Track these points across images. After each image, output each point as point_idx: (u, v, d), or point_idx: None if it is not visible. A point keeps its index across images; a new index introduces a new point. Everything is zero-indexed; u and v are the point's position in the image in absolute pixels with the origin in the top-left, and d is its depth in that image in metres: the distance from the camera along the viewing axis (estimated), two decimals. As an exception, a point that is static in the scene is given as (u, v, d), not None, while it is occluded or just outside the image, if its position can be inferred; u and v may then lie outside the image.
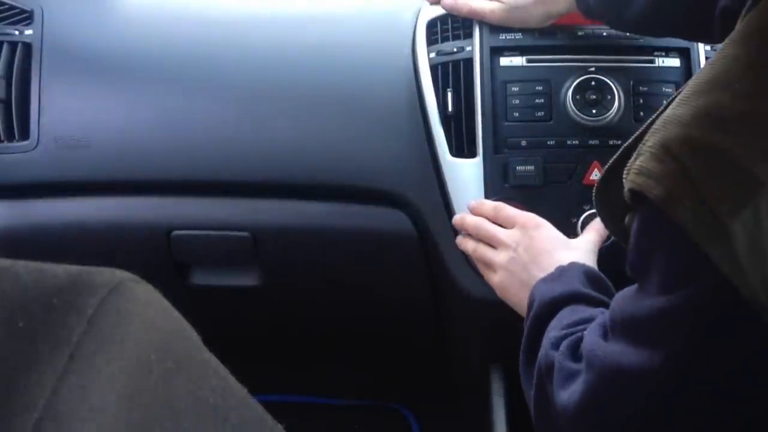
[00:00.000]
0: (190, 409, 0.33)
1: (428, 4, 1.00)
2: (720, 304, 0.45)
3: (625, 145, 0.53)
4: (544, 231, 0.82)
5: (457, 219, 0.90)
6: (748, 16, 0.46)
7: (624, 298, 0.55)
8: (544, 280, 0.75)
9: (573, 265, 0.75)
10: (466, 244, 0.89)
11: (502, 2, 0.93)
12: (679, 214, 0.43)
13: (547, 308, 0.70)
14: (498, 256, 0.83)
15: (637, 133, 0.52)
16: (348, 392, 1.41)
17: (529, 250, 0.80)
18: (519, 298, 0.79)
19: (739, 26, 0.46)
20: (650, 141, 0.46)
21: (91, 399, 0.29)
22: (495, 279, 0.84)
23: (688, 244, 0.43)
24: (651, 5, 0.79)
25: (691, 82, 0.47)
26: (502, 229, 0.85)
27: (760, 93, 0.42)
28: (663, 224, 0.45)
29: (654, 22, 0.82)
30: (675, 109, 0.46)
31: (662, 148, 0.45)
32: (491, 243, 0.85)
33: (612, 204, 0.55)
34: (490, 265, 0.85)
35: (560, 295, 0.70)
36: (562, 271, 0.75)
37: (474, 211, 0.89)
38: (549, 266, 0.77)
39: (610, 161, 0.55)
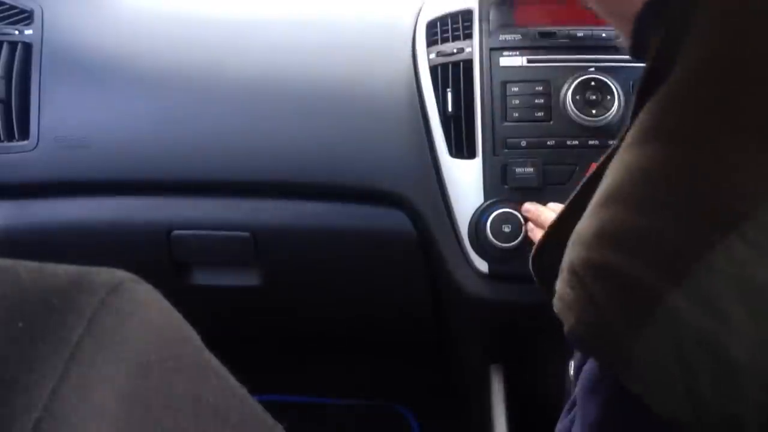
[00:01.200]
0: (190, 409, 0.33)
1: (428, 4, 1.00)
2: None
3: (563, 210, 0.51)
4: None
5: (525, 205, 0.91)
6: (638, 118, 0.44)
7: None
8: None
9: None
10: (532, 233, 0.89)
11: None
12: (588, 340, 0.42)
13: None
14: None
15: (572, 197, 0.50)
16: (348, 392, 1.41)
17: None
18: None
19: (631, 129, 0.44)
20: (565, 260, 0.44)
21: (91, 399, 0.29)
22: None
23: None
24: None
25: (598, 191, 0.44)
26: (542, 210, 0.87)
27: (652, 204, 0.40)
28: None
29: None
30: (582, 224, 0.44)
31: (570, 273, 0.43)
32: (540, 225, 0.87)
33: (547, 271, 0.51)
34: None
35: None
36: None
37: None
38: None
39: (549, 227, 0.52)
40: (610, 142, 0.92)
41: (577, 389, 0.52)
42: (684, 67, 0.41)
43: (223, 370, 0.36)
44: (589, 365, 0.48)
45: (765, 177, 0.37)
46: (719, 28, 0.41)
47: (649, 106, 0.43)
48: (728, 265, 0.37)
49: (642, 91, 0.44)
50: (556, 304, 0.44)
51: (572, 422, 0.53)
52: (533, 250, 0.55)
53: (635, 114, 0.44)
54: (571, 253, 0.44)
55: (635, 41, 0.48)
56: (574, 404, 0.57)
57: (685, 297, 0.38)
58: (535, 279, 0.55)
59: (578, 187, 0.49)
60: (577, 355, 0.63)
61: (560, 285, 0.44)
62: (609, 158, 0.46)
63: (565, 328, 0.43)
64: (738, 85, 0.39)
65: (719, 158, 0.39)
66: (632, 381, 0.40)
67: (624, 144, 0.44)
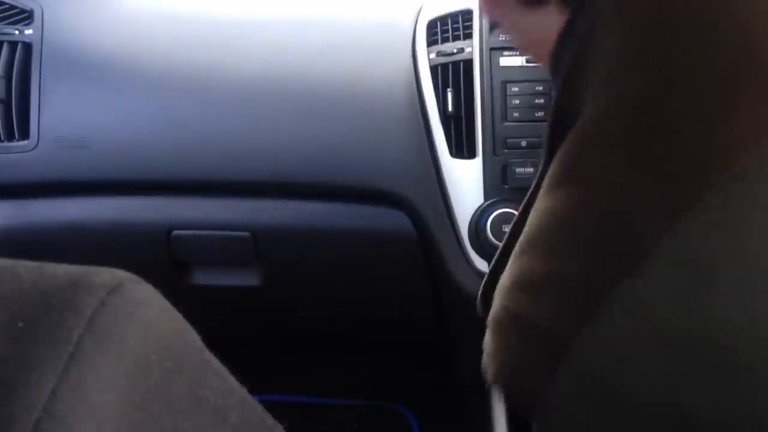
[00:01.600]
0: (190, 409, 0.33)
1: (428, 4, 1.00)
2: None
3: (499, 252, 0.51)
4: None
5: None
6: (552, 162, 0.43)
7: None
8: None
9: None
10: None
11: None
12: (508, 389, 0.42)
13: None
14: None
15: (505, 240, 0.49)
16: (348, 392, 1.41)
17: None
18: None
19: (547, 174, 0.44)
20: (491, 311, 0.45)
21: (91, 399, 0.29)
22: None
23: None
24: None
25: (520, 238, 0.44)
26: None
27: (561, 249, 0.40)
28: None
29: None
30: (504, 272, 0.44)
31: (493, 323, 0.43)
32: None
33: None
34: None
35: None
36: None
37: None
38: None
39: (489, 272, 0.52)
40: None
41: None
42: (591, 105, 0.40)
43: (223, 370, 0.36)
44: None
45: (667, 214, 0.36)
46: (623, 64, 0.39)
47: (562, 148, 0.42)
48: (631, 305, 0.36)
49: (553, 132, 0.43)
50: (484, 356, 0.44)
51: None
52: (479, 296, 0.55)
53: (550, 156, 0.43)
54: (494, 303, 0.44)
55: (554, 79, 0.46)
56: None
57: (589, 341, 0.37)
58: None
59: (506, 235, 0.48)
60: None
61: (486, 337, 0.44)
62: (531, 202, 0.45)
63: (488, 381, 0.43)
64: (643, 122, 0.38)
65: (623, 198, 0.38)
66: (549, 430, 0.39)
67: (541, 190, 0.43)
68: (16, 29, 1.02)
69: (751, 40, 0.36)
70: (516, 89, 0.93)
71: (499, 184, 0.92)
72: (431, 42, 0.98)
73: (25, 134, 0.99)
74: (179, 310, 0.35)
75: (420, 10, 1.01)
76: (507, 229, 0.90)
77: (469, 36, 0.96)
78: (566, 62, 0.41)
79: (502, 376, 0.42)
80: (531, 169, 0.91)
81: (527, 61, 0.94)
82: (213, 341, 0.38)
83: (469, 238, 0.93)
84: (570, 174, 0.40)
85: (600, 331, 0.37)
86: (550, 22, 0.43)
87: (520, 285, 0.42)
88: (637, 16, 0.38)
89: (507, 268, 0.44)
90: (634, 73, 0.38)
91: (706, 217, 0.35)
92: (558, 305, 0.39)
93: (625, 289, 0.36)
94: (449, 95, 0.94)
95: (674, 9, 0.37)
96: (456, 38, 0.97)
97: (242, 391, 0.37)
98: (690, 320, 0.36)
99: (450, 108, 0.94)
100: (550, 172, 0.42)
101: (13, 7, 1.04)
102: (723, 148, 0.35)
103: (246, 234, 1.00)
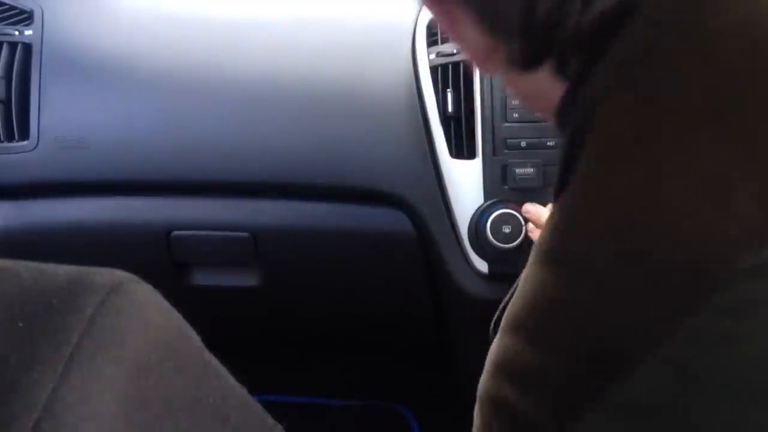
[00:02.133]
0: (190, 409, 0.33)
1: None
2: None
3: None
4: None
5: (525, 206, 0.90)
6: (540, 233, 0.42)
7: None
8: None
9: None
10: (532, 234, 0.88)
11: None
12: None
13: None
14: None
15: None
16: (347, 392, 1.41)
17: None
18: None
19: (534, 245, 0.43)
20: (479, 386, 0.44)
21: (91, 399, 0.29)
22: None
23: None
24: None
25: (507, 310, 0.43)
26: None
27: (544, 340, 0.38)
28: None
29: None
30: (491, 349, 0.43)
31: (479, 401, 0.42)
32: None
33: None
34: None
35: None
36: None
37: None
38: None
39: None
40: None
41: None
42: (574, 183, 0.40)
43: (223, 370, 0.36)
44: None
45: (659, 319, 0.34)
46: (604, 149, 0.38)
47: (549, 221, 0.41)
48: (619, 409, 0.35)
49: (562, 177, 0.42)
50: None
51: None
52: (491, 326, 0.53)
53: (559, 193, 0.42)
54: (481, 379, 0.43)
55: (560, 132, 0.45)
56: None
57: None
58: None
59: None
60: None
61: (475, 408, 0.43)
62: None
63: None
64: (619, 211, 0.37)
65: (604, 293, 0.36)
66: None
67: (535, 250, 0.42)
68: (16, 29, 1.02)
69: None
70: (516, 90, 0.93)
71: (499, 185, 0.92)
72: (431, 42, 0.98)
73: (25, 134, 0.99)
74: (179, 311, 0.35)
75: (420, 10, 1.01)
76: (507, 229, 0.90)
77: (468, 36, 0.96)
78: (571, 122, 0.41)
79: None
80: (531, 170, 0.91)
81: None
82: (213, 341, 0.38)
83: (469, 238, 0.93)
84: (562, 248, 0.39)
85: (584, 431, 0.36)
86: (547, 82, 0.43)
87: (505, 371, 0.40)
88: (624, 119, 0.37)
89: (494, 342, 0.43)
90: (623, 169, 0.37)
91: (701, 324, 0.34)
92: (542, 402, 0.38)
93: (612, 394, 0.35)
94: (449, 96, 0.94)
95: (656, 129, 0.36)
96: (456, 39, 0.97)
97: (242, 392, 0.37)
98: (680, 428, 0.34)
99: (450, 108, 0.94)
100: (545, 235, 0.41)
101: (13, 7, 1.04)
102: (721, 250, 0.34)
103: (246, 234, 1.00)
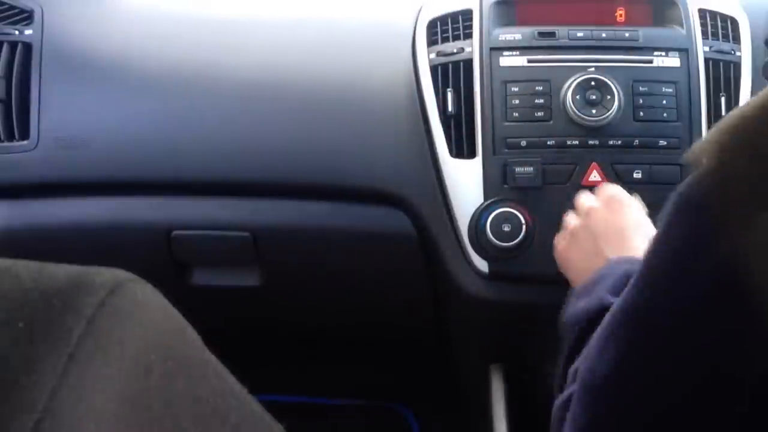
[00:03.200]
0: (190, 409, 0.33)
1: (428, 4, 1.00)
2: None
3: None
4: (628, 209, 0.77)
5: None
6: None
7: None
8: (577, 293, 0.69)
9: (611, 268, 0.68)
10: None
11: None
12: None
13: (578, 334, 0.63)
14: (572, 221, 0.80)
15: None
16: (348, 392, 1.41)
17: (605, 222, 0.76)
18: (577, 268, 0.75)
19: None
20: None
21: (90, 399, 0.29)
22: (561, 243, 0.80)
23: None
24: None
25: None
26: (587, 197, 0.82)
27: None
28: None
29: None
30: None
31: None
32: (576, 211, 0.82)
33: None
34: (564, 229, 0.81)
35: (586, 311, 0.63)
36: (595, 280, 0.68)
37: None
38: (619, 244, 0.73)
39: None
40: (611, 142, 0.92)
41: (591, 341, 0.52)
42: None
43: (223, 370, 0.36)
44: (607, 317, 0.49)
45: None
46: None
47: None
48: None
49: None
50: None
51: (569, 398, 0.53)
52: None
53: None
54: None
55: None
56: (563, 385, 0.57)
57: None
58: None
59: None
60: (565, 347, 0.63)
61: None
62: None
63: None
64: None
65: None
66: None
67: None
68: (16, 29, 1.02)
69: None
70: (516, 89, 0.93)
71: (499, 184, 0.92)
72: (431, 42, 0.97)
73: (25, 134, 0.99)
74: (179, 310, 0.35)
75: (420, 10, 1.01)
76: (507, 228, 0.90)
77: (469, 36, 0.96)
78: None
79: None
80: (531, 169, 0.91)
81: (528, 62, 0.94)
82: (213, 341, 0.38)
83: (469, 238, 0.93)
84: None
85: None
86: None
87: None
88: None
89: None
90: None
91: None
92: None
93: None
94: (449, 95, 0.94)
95: None
96: (456, 38, 0.97)
97: (242, 391, 0.37)
98: None
99: (450, 108, 0.94)
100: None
101: (13, 7, 1.04)
102: None
103: (246, 234, 1.00)
